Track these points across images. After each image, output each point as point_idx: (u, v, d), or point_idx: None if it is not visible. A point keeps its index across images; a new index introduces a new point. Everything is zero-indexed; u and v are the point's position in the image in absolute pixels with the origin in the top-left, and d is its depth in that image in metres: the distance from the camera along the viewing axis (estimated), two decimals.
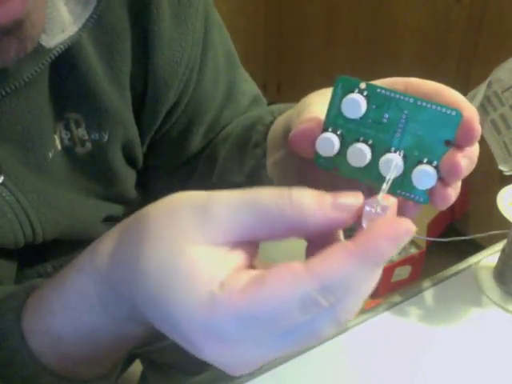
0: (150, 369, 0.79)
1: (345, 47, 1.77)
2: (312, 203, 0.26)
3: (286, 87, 2.04)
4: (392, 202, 0.28)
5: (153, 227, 0.27)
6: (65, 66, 0.41)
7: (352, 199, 0.27)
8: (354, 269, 0.24)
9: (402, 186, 0.32)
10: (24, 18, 0.31)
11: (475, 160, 0.32)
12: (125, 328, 0.31)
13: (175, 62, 0.46)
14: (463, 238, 0.58)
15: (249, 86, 0.56)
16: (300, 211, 0.25)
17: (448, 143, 0.31)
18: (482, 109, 0.61)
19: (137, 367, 0.83)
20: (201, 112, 0.52)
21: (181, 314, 0.25)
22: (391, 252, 0.25)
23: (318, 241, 0.28)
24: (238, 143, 0.49)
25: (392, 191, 0.33)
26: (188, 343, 0.26)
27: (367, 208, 0.27)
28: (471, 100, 0.62)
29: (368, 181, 0.33)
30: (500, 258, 0.53)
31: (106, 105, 0.44)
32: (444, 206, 0.32)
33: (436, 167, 0.31)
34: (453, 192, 0.32)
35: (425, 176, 0.31)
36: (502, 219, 0.51)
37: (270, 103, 0.59)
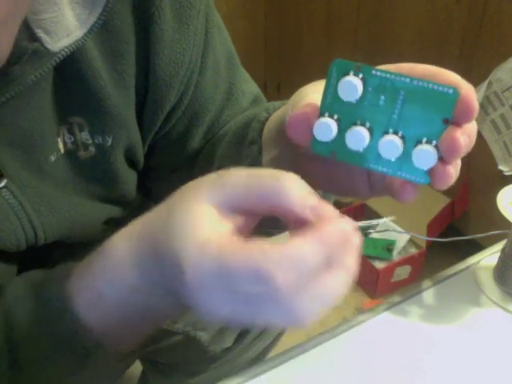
0: (149, 369, 0.79)
1: (345, 47, 1.77)
2: (296, 198, 0.30)
3: (286, 87, 2.04)
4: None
5: (182, 192, 0.32)
6: (69, 70, 0.41)
7: (331, 213, 0.30)
8: (308, 249, 0.28)
9: (401, 167, 0.32)
10: None
11: (474, 137, 0.32)
12: (152, 297, 0.33)
13: (176, 63, 0.46)
14: (463, 237, 0.58)
15: (249, 86, 0.56)
16: (285, 200, 0.30)
17: (446, 121, 0.31)
18: (482, 109, 0.61)
19: (137, 367, 0.83)
20: (201, 113, 0.52)
21: (181, 249, 0.29)
22: (343, 240, 0.29)
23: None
24: (234, 141, 0.49)
25: (392, 173, 0.32)
26: (182, 281, 0.29)
27: None
28: None
29: (367, 165, 0.33)
30: (500, 258, 0.53)
31: (111, 109, 0.44)
32: (445, 186, 0.32)
33: (436, 146, 0.31)
34: (453, 170, 0.32)
35: (426, 155, 0.31)
36: (502, 219, 0.51)
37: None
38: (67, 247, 0.49)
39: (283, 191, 0.30)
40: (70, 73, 0.41)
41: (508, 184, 0.55)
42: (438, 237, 0.58)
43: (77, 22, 0.38)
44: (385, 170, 0.32)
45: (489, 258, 0.56)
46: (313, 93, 0.36)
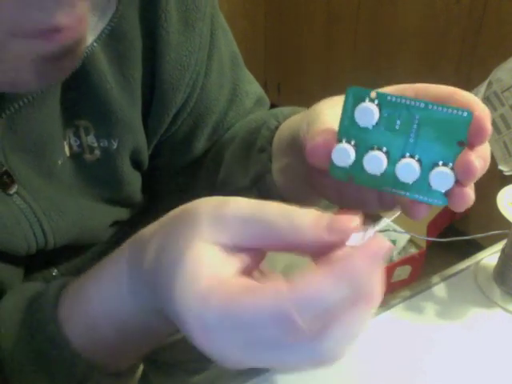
0: (151, 367, 0.79)
1: (345, 47, 1.77)
2: (310, 226, 0.28)
3: (286, 87, 2.04)
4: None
5: (175, 225, 0.30)
6: (77, 74, 0.40)
7: (348, 223, 0.28)
8: (328, 287, 0.25)
9: (419, 190, 0.33)
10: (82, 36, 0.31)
11: (488, 159, 0.32)
12: (151, 321, 0.33)
13: (182, 66, 0.46)
14: (463, 238, 0.58)
15: (252, 87, 0.56)
16: (297, 233, 0.28)
17: (461, 144, 0.31)
18: None
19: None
20: (206, 114, 0.52)
21: (181, 300, 0.27)
22: (367, 272, 0.26)
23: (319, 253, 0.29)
24: (243, 147, 0.49)
25: (410, 196, 0.33)
26: (185, 329, 0.28)
27: (354, 235, 0.28)
28: None
29: (385, 188, 0.33)
30: (500, 258, 0.53)
31: (117, 113, 0.44)
32: (463, 207, 0.32)
33: (452, 168, 0.31)
34: (470, 192, 0.32)
35: (443, 177, 0.31)
36: (502, 219, 0.51)
37: (270, 104, 0.59)
38: (73, 248, 0.49)
39: (294, 226, 0.28)
40: (77, 76, 0.40)
41: (508, 184, 0.55)
42: (438, 237, 0.58)
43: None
44: (402, 193, 0.33)
45: (489, 257, 0.56)
46: (327, 109, 0.36)
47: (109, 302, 0.33)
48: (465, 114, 0.31)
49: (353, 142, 0.33)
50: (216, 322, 0.26)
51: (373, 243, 0.27)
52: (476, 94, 0.61)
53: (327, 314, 0.25)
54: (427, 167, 0.32)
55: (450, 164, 0.31)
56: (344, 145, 0.33)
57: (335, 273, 0.25)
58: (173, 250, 0.29)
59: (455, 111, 0.31)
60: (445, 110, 0.31)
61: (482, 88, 0.60)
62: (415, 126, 0.32)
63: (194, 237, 0.28)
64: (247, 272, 0.29)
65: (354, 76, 1.73)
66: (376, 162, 0.33)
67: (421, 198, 0.33)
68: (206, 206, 0.29)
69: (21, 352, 0.34)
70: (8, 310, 0.36)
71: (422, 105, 0.32)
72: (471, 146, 0.31)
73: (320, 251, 0.28)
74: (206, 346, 0.28)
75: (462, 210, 0.32)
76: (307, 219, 0.28)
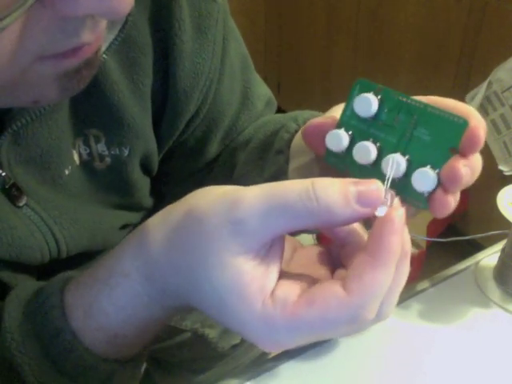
0: (155, 367, 0.79)
1: (345, 47, 1.77)
2: (338, 200, 0.28)
3: (286, 87, 2.03)
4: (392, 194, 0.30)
5: (191, 238, 0.29)
6: (87, 85, 0.41)
7: (377, 194, 0.29)
8: (382, 275, 0.28)
9: (403, 189, 0.33)
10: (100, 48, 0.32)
11: (477, 171, 0.32)
12: (175, 313, 0.34)
13: (196, 73, 0.46)
14: (463, 238, 0.58)
15: (262, 89, 0.56)
16: (328, 210, 0.27)
17: (453, 150, 0.31)
18: (482, 109, 0.61)
19: None
20: (218, 119, 0.52)
21: (241, 323, 0.28)
22: (400, 240, 0.28)
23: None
24: (259, 148, 0.49)
25: (396, 193, 0.33)
26: (251, 341, 0.30)
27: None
28: (471, 100, 0.62)
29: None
30: (500, 258, 0.53)
31: (128, 121, 0.44)
32: (442, 214, 0.32)
33: (438, 173, 0.32)
34: (452, 200, 0.32)
35: (424, 178, 0.32)
36: (502, 219, 0.51)
37: None
38: (83, 254, 0.49)
39: (321, 202, 0.27)
40: (88, 87, 0.40)
41: (508, 184, 0.55)
42: (438, 237, 0.58)
43: None
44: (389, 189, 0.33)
45: (489, 257, 0.56)
46: (339, 107, 0.37)
47: (130, 313, 0.32)
48: (460, 121, 0.31)
49: (350, 132, 0.34)
50: (286, 337, 0.28)
51: (395, 215, 0.28)
52: (476, 94, 0.61)
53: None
54: (415, 168, 0.32)
55: (438, 169, 0.32)
56: (338, 130, 0.33)
57: (382, 260, 0.27)
58: (205, 269, 0.28)
59: (451, 117, 0.31)
60: (442, 114, 0.32)
61: (482, 88, 0.60)
62: (412, 126, 0.32)
63: (224, 253, 0.28)
64: (283, 262, 0.30)
65: (354, 76, 1.73)
66: (364, 151, 0.33)
67: (404, 196, 0.32)
68: (216, 212, 0.28)
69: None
70: (16, 321, 0.34)
71: (422, 106, 0.32)
72: (463, 154, 0.31)
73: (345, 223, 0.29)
74: (276, 349, 0.29)
75: (442, 217, 0.33)
76: (334, 196, 0.28)
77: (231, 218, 0.28)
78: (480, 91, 0.60)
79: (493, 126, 0.60)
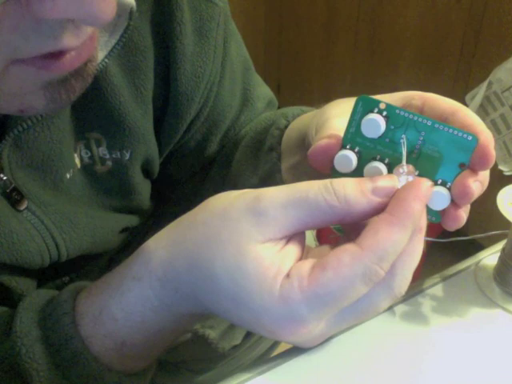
0: (156, 367, 0.79)
1: (345, 47, 1.77)
2: (355, 191, 0.29)
3: (286, 87, 2.04)
4: (412, 168, 0.32)
5: (209, 233, 0.30)
6: (89, 88, 0.40)
7: (391, 183, 0.30)
8: (398, 234, 0.28)
9: None
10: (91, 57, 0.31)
11: (486, 184, 0.33)
12: (183, 323, 0.33)
13: (197, 76, 0.46)
14: (463, 238, 0.58)
15: (263, 90, 0.56)
16: (347, 203, 0.29)
17: (462, 166, 0.32)
18: (482, 109, 0.61)
19: None
20: (219, 122, 0.52)
21: (260, 310, 0.28)
22: (421, 210, 0.29)
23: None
24: (251, 146, 0.49)
25: None
26: (268, 332, 0.30)
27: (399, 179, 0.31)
28: (471, 100, 0.62)
29: None
30: (500, 258, 0.53)
31: (130, 124, 0.44)
32: (455, 227, 0.33)
33: (449, 188, 0.32)
34: (464, 214, 0.33)
35: (439, 198, 0.32)
36: (502, 219, 0.51)
37: None
38: (84, 257, 0.49)
39: (340, 196, 0.29)
40: (89, 91, 0.40)
41: (508, 184, 0.55)
42: (438, 237, 0.58)
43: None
44: None
45: (489, 257, 0.56)
46: (335, 117, 0.36)
47: (139, 319, 0.32)
48: (469, 137, 0.31)
49: (356, 149, 0.33)
50: (309, 312, 0.28)
51: (418, 183, 0.29)
52: (476, 94, 0.61)
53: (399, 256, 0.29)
54: None
55: (449, 184, 0.32)
56: (347, 151, 0.33)
57: (400, 219, 0.28)
58: (223, 259, 0.29)
59: (460, 134, 0.31)
60: (451, 130, 0.31)
61: (482, 88, 0.60)
62: (419, 143, 0.32)
63: (244, 241, 0.29)
64: (301, 255, 0.31)
65: (354, 76, 1.73)
66: (376, 172, 0.33)
67: None
68: (238, 207, 0.30)
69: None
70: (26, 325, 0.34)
71: (429, 123, 0.32)
72: (473, 169, 0.32)
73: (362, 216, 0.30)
74: (297, 337, 0.30)
75: (453, 230, 0.34)
76: (352, 188, 0.29)
77: (254, 210, 0.29)
78: (480, 91, 0.60)
79: (493, 126, 0.60)
